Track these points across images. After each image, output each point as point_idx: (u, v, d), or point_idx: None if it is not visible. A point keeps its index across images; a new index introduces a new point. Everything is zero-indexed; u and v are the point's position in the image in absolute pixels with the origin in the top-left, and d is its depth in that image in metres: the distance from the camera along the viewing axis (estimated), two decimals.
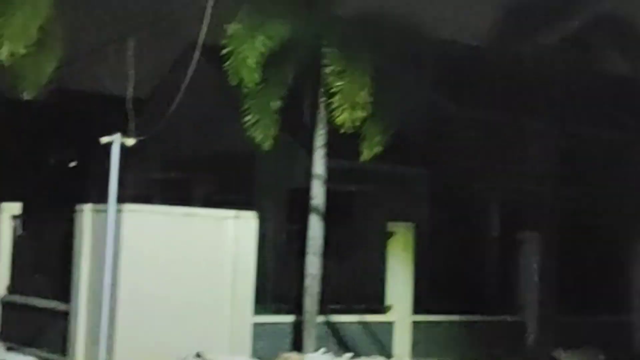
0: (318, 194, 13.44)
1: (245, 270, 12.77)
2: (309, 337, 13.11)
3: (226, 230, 12.75)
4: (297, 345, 13.25)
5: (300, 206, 14.10)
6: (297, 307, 13.42)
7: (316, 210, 13.40)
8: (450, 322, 15.30)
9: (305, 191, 13.64)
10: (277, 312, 13.51)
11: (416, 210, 16.63)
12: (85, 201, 12.72)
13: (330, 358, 12.85)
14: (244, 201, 16.11)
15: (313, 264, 13.28)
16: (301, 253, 13.51)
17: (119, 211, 11.89)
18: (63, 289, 12.64)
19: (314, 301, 13.24)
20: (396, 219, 15.18)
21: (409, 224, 15.01)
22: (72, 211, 12.64)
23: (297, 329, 13.40)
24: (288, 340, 13.37)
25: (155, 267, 12.13)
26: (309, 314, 13.19)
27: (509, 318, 16.24)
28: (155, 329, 11.92)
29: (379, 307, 14.55)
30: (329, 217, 13.64)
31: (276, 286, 13.72)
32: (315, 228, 13.35)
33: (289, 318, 13.48)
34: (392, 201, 16.86)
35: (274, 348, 13.08)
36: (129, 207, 12.09)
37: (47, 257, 13.63)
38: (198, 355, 11.80)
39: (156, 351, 11.77)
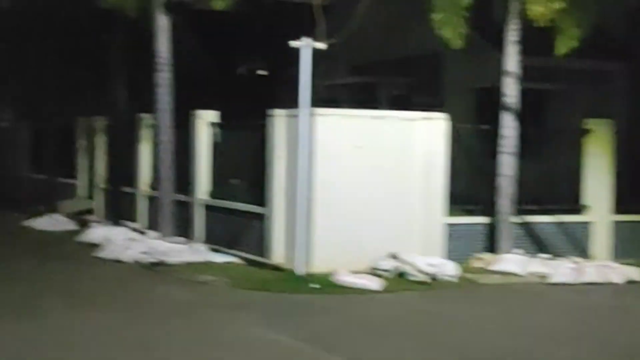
0: (511, 92, 13.08)
1: (436, 171, 12.72)
2: (503, 237, 12.97)
3: (416, 131, 12.70)
4: (491, 247, 13.16)
5: (492, 106, 13.81)
6: (490, 208, 13.29)
7: (509, 108, 13.07)
8: None
9: (498, 90, 13.32)
10: (470, 213, 13.42)
11: (614, 106, 15.92)
12: (278, 107, 12.99)
13: (526, 259, 12.67)
14: (434, 102, 16.01)
15: (507, 164, 13.04)
16: (494, 153, 13.31)
17: (311, 115, 12.07)
18: (260, 192, 13.07)
19: (508, 202, 13.04)
20: (593, 116, 14.56)
21: (607, 121, 14.36)
22: (266, 117, 12.95)
23: (491, 230, 13.30)
24: (481, 241, 13.29)
25: (348, 169, 12.31)
26: (503, 215, 13.02)
27: None
28: (350, 230, 12.17)
29: (576, 207, 14.16)
30: (523, 116, 13.30)
31: (469, 187, 13.60)
32: (509, 127, 13.05)
33: (482, 219, 13.37)
34: (589, 98, 16.20)
35: (467, 249, 13.06)
36: (321, 111, 12.24)
37: (244, 162, 14.12)
38: (393, 256, 11.94)
39: (351, 251, 12.04)
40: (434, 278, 11.73)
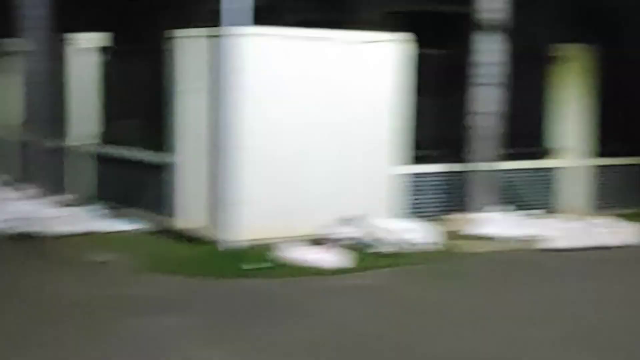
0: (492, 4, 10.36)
1: (393, 109, 9.95)
2: (480, 191, 10.37)
3: (369, 57, 9.85)
4: (460, 202, 10.55)
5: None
6: (457, 154, 10.66)
7: (490, 27, 10.34)
8: (633, 166, 12.36)
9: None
10: (433, 160, 10.71)
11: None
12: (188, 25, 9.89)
13: (511, 217, 10.13)
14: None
15: (486, 99, 10.38)
16: (462, 85, 10.67)
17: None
18: (163, 136, 9.99)
19: (488, 146, 10.41)
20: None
21: (584, 46, 11.85)
22: (172, 38, 9.82)
23: (459, 181, 10.66)
24: (447, 195, 10.66)
25: (285, 107, 9.37)
26: (479, 163, 10.41)
27: None
28: (286, 184, 9.29)
29: (548, 150, 11.70)
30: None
31: (431, 129, 10.85)
32: (490, 51, 10.32)
33: (448, 167, 10.71)
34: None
35: (431, 205, 10.44)
36: (250, 30, 9.14)
37: (142, 97, 10.96)
38: (350, 219, 9.15)
39: (290, 213, 9.18)
40: (406, 247, 8.98)
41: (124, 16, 14.42)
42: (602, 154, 11.89)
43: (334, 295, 7.51)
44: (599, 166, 11.90)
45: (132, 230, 9.84)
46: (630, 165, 12.17)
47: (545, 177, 11.65)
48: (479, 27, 10.31)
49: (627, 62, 12.67)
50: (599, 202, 11.77)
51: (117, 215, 10.27)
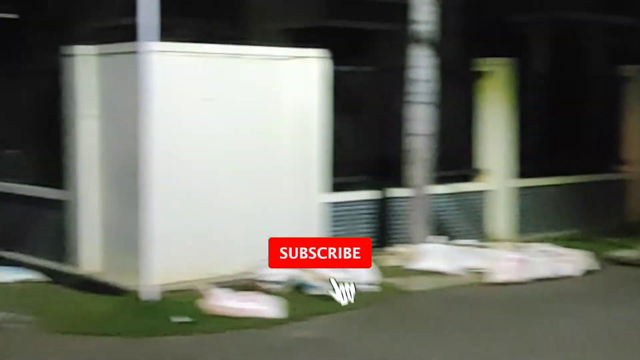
0: (425, 16, 9.47)
1: (313, 132, 8.95)
2: (419, 221, 9.43)
3: (285, 75, 8.83)
4: (381, 233, 9.63)
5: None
6: (380, 180, 9.76)
7: (423, 40, 9.48)
8: (554, 187, 11.64)
9: None
10: (357, 187, 9.76)
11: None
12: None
13: (452, 248, 9.24)
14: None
15: (421, 119, 9.49)
16: (385, 104, 9.82)
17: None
18: (57, 167, 8.68)
19: (424, 171, 9.50)
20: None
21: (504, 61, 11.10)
22: (62, 57, 8.55)
23: (382, 209, 9.75)
24: (372, 224, 9.72)
25: (196, 133, 8.26)
26: (417, 191, 9.49)
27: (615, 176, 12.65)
28: (202, 221, 8.20)
29: (476, 172, 10.90)
30: None
31: (353, 153, 9.88)
32: (424, 67, 9.43)
33: (371, 194, 9.77)
34: None
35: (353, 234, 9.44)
36: (158, 46, 7.91)
37: (28, 123, 9.60)
38: None
39: (208, 253, 8.11)
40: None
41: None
42: (523, 174, 11.18)
43: (278, 355, 6.42)
44: (522, 188, 11.16)
45: (23, 280, 8.47)
46: (552, 185, 11.55)
47: (475, 202, 10.86)
48: (410, 41, 9.44)
49: (546, 77, 12.11)
50: (524, 226, 11.04)
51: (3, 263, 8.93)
